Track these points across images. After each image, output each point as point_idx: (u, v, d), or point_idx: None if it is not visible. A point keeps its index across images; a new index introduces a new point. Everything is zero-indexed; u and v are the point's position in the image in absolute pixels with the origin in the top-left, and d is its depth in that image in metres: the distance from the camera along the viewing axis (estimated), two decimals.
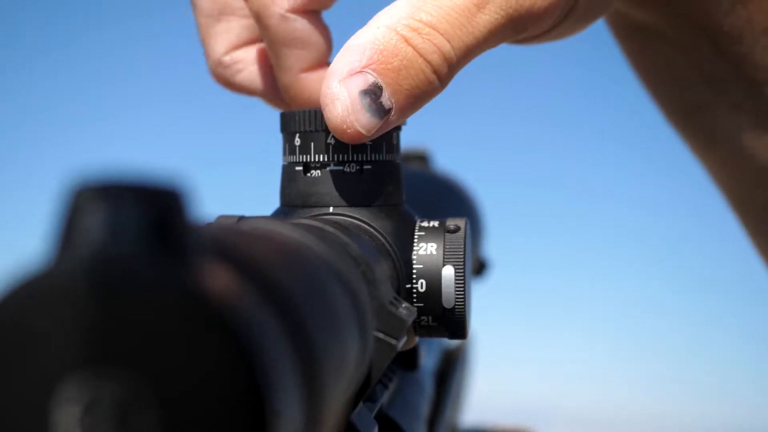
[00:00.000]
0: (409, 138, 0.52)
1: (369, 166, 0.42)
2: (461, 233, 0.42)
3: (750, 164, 0.58)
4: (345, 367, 0.28)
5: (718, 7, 0.53)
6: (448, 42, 0.41)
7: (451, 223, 0.43)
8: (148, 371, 0.20)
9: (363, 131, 0.40)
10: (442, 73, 0.41)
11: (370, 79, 0.40)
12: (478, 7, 0.42)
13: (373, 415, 0.38)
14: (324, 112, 0.40)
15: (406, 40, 0.41)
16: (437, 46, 0.41)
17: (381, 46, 0.40)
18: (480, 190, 0.69)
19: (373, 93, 0.40)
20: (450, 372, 0.65)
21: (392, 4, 0.42)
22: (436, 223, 0.43)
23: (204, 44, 0.51)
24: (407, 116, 0.42)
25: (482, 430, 0.77)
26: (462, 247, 0.42)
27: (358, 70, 0.40)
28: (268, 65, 0.50)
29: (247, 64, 0.50)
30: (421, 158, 0.69)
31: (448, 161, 0.72)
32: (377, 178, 0.42)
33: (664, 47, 0.56)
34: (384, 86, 0.40)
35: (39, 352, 0.20)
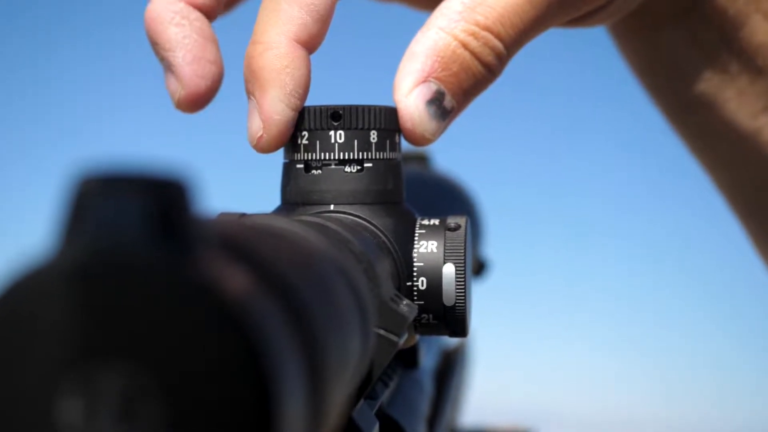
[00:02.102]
0: None
1: (370, 164, 0.42)
2: (462, 231, 0.42)
3: (751, 161, 0.58)
4: (347, 362, 0.28)
5: None
6: (501, 42, 0.44)
7: (451, 221, 0.43)
8: (152, 362, 0.20)
9: (431, 137, 0.44)
10: (496, 69, 0.45)
11: (433, 87, 0.43)
12: (530, 3, 0.44)
13: (374, 412, 0.38)
14: (400, 124, 0.43)
15: (464, 45, 0.44)
16: (492, 48, 0.44)
17: (441, 53, 0.43)
18: (480, 191, 0.69)
19: (437, 101, 0.43)
20: (449, 372, 0.65)
21: (446, 4, 0.45)
22: (436, 221, 0.43)
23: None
24: (466, 107, 0.45)
25: (482, 430, 0.77)
26: (463, 245, 0.42)
27: (422, 80, 0.43)
28: (198, 44, 0.46)
29: (190, 24, 0.45)
30: (421, 159, 0.69)
31: (448, 162, 0.72)
32: (378, 176, 0.43)
33: (670, 39, 0.56)
34: (445, 91, 0.43)
35: (42, 343, 0.20)
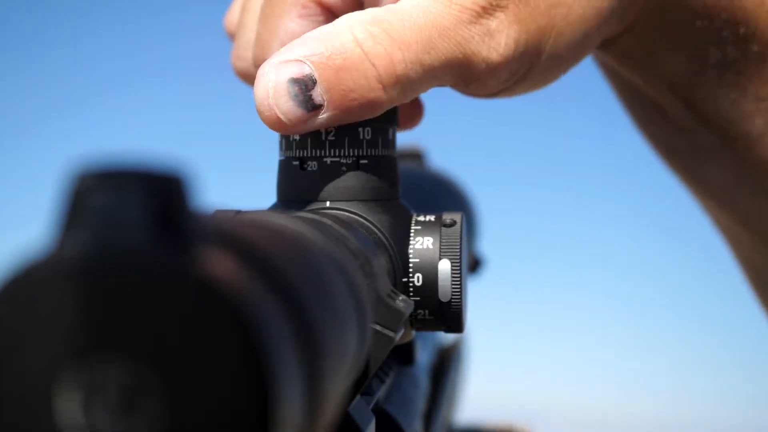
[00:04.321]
0: (404, 136, 0.52)
1: (365, 161, 0.43)
2: (457, 227, 0.42)
3: (730, 206, 0.59)
4: (345, 357, 0.28)
5: (687, 67, 0.53)
6: (402, 53, 0.40)
7: (447, 217, 0.43)
8: (151, 356, 0.20)
9: (283, 118, 0.40)
10: (387, 83, 0.40)
11: (305, 69, 0.39)
12: (440, 33, 0.41)
13: (370, 408, 0.38)
14: (253, 92, 0.40)
15: (357, 42, 0.40)
16: (389, 53, 0.40)
17: (330, 42, 0.40)
18: (474, 189, 0.69)
19: (303, 83, 0.39)
20: (445, 369, 0.65)
21: (361, 10, 0.42)
22: (432, 218, 0.43)
23: (242, 31, 0.49)
24: (343, 119, 0.40)
25: (477, 428, 0.77)
26: (458, 241, 0.42)
27: (295, 58, 0.39)
28: None
29: None
30: (416, 156, 0.69)
31: (443, 159, 0.72)
32: (373, 173, 0.43)
33: (641, 97, 0.56)
34: (318, 80, 0.39)
35: (42, 337, 0.20)
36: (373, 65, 0.40)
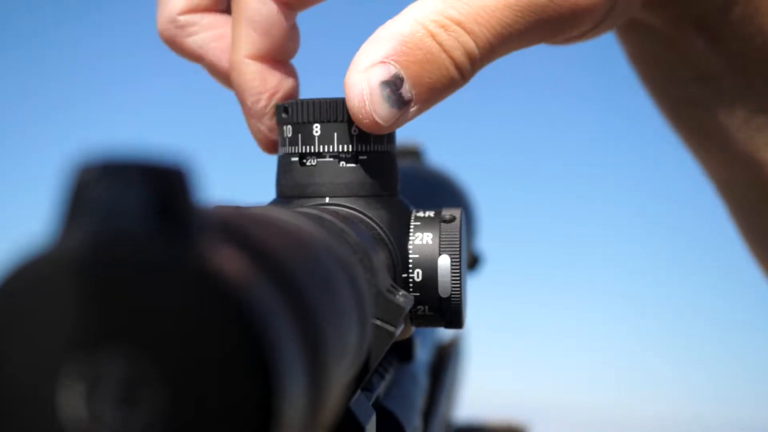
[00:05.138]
0: (403, 133, 0.52)
1: (364, 157, 0.43)
2: (457, 223, 0.42)
3: (741, 161, 0.58)
4: (346, 350, 0.28)
5: (714, 3, 0.53)
6: (474, 41, 0.42)
7: (446, 213, 0.43)
8: (153, 348, 0.20)
9: (381, 121, 0.41)
10: (465, 69, 0.42)
11: (392, 70, 0.41)
12: (512, 10, 0.42)
13: (370, 404, 0.38)
14: (346, 101, 0.41)
15: (432, 36, 0.41)
16: (462, 43, 0.42)
17: (406, 39, 0.41)
18: (472, 187, 0.69)
19: (393, 84, 0.41)
20: (444, 366, 0.65)
21: None
22: (431, 213, 0.43)
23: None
24: (428, 108, 0.42)
25: (476, 425, 0.77)
26: (458, 236, 0.42)
27: (381, 60, 0.41)
28: (222, 37, 0.49)
29: (202, 29, 0.49)
30: (414, 153, 0.69)
31: (441, 157, 0.72)
32: (373, 169, 0.43)
33: (659, 45, 0.56)
34: (405, 78, 0.41)
35: (45, 329, 0.20)
36: (451, 58, 0.42)
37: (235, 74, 0.46)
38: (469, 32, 0.42)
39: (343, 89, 0.42)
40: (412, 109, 0.41)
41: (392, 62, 0.41)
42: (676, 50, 0.55)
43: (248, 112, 0.46)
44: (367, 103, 0.41)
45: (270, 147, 0.47)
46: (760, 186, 0.59)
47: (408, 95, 0.41)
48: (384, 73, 0.41)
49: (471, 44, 0.42)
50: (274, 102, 0.46)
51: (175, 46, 0.49)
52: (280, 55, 0.46)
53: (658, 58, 0.56)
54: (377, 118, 0.41)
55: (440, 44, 0.41)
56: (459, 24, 0.42)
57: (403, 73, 0.41)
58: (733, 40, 0.54)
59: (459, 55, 0.42)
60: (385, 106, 0.41)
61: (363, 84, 0.41)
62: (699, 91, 0.56)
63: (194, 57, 0.50)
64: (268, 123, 0.46)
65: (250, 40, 0.45)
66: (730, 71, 0.55)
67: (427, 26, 0.42)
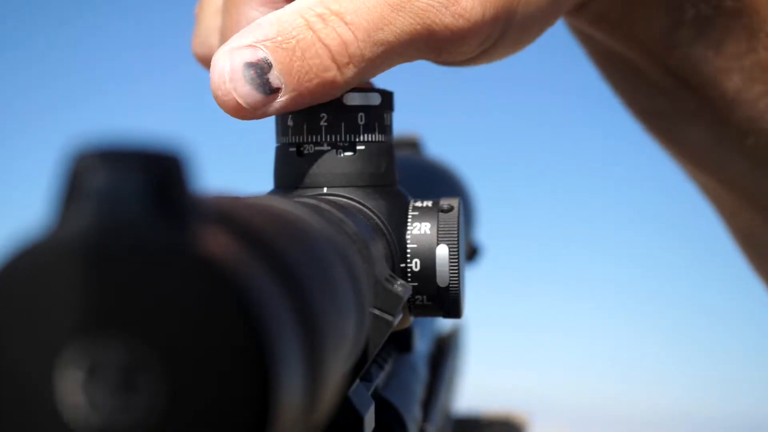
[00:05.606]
0: (400, 125, 0.52)
1: (362, 147, 0.43)
2: (455, 212, 0.42)
3: (711, 168, 0.59)
4: (344, 339, 0.28)
5: (662, 25, 0.53)
6: (353, 33, 0.41)
7: (444, 202, 0.43)
8: (151, 335, 0.20)
9: (242, 102, 0.40)
10: (342, 63, 0.41)
11: (259, 54, 0.40)
12: (392, 8, 0.41)
13: (369, 393, 0.38)
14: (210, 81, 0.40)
15: (308, 24, 0.40)
16: (339, 34, 0.40)
17: (281, 26, 0.40)
18: (472, 177, 0.69)
19: (259, 68, 0.40)
20: (443, 357, 0.65)
21: None
22: (429, 203, 0.43)
23: (202, 17, 0.49)
24: (304, 102, 0.41)
25: (475, 416, 0.77)
26: (456, 226, 0.42)
27: (249, 43, 0.40)
28: None
29: None
30: (413, 144, 0.69)
31: (439, 148, 0.72)
32: (370, 159, 0.43)
33: (618, 61, 0.56)
34: (273, 63, 0.40)
35: (42, 317, 0.20)
36: (326, 46, 0.40)
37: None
38: (347, 23, 0.41)
39: None
40: (282, 98, 0.40)
41: (261, 46, 0.40)
42: (631, 67, 0.56)
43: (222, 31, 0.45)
44: (227, 80, 0.40)
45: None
46: (733, 195, 0.59)
47: (276, 82, 0.40)
48: (250, 55, 0.40)
49: (349, 36, 0.40)
50: None
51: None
52: None
53: (622, 72, 0.57)
54: (239, 98, 0.40)
55: (315, 32, 0.40)
56: (338, 15, 0.41)
57: (271, 58, 0.40)
58: (684, 61, 0.54)
59: (335, 45, 0.40)
60: (247, 87, 0.40)
61: (225, 62, 0.40)
62: (662, 103, 0.56)
63: None
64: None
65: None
66: (684, 87, 0.55)
67: (304, 15, 0.40)
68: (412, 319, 0.44)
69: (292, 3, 0.41)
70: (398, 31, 0.41)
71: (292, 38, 0.40)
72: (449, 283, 0.42)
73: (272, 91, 0.40)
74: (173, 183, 0.20)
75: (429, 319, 0.59)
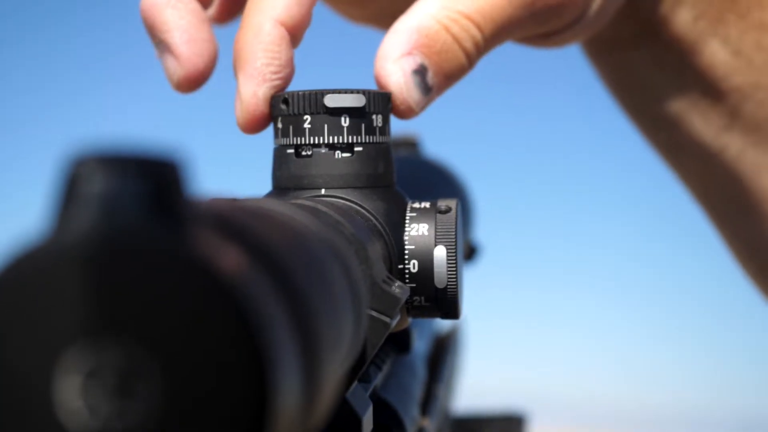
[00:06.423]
0: (400, 125, 0.52)
1: (360, 148, 0.43)
2: (452, 214, 0.42)
3: (718, 176, 0.60)
4: (341, 341, 0.28)
5: (679, 18, 0.56)
6: (480, 32, 0.46)
7: (442, 203, 0.43)
8: (149, 339, 0.20)
9: (414, 107, 0.45)
10: (473, 58, 0.47)
11: (418, 60, 0.45)
12: (509, 3, 0.47)
13: (368, 395, 0.38)
14: (382, 88, 0.44)
15: (446, 29, 0.45)
16: (471, 35, 0.46)
17: (425, 31, 0.45)
18: (471, 177, 0.69)
19: (421, 73, 0.45)
20: (442, 357, 0.65)
21: None
22: (427, 204, 0.43)
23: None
24: (442, 93, 0.46)
25: (475, 415, 0.77)
26: (453, 227, 0.42)
27: (408, 51, 0.45)
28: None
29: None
30: (411, 144, 0.69)
31: (438, 148, 0.72)
32: (368, 160, 0.43)
33: (636, 60, 0.59)
34: (428, 67, 0.45)
35: (41, 321, 0.20)
36: (462, 47, 0.46)
37: (252, 34, 0.44)
38: (475, 24, 0.46)
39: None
40: (433, 96, 0.45)
41: (417, 53, 0.45)
42: (649, 64, 0.57)
43: (252, 74, 0.44)
44: (404, 90, 0.44)
45: (254, 123, 0.44)
46: (738, 197, 0.60)
47: (431, 82, 0.45)
48: (413, 62, 0.45)
49: (478, 36, 0.46)
50: (277, 79, 0.44)
51: (153, 10, 0.46)
52: (298, 34, 0.46)
53: (629, 80, 0.60)
54: (412, 104, 0.45)
55: (453, 35, 0.46)
56: (467, 17, 0.46)
57: (427, 63, 0.45)
58: (698, 54, 0.57)
59: (469, 45, 0.46)
60: (417, 93, 0.44)
61: (399, 73, 0.44)
62: (675, 102, 0.58)
63: (163, 29, 0.46)
64: (265, 92, 0.44)
65: (283, 4, 0.44)
66: (700, 83, 0.57)
67: (440, 20, 0.45)
68: (409, 319, 0.44)
69: (420, 7, 0.46)
70: (515, 20, 0.47)
71: (437, 42, 0.45)
72: (447, 285, 0.42)
73: (430, 91, 0.45)
74: (171, 187, 0.20)
75: (427, 319, 0.59)
